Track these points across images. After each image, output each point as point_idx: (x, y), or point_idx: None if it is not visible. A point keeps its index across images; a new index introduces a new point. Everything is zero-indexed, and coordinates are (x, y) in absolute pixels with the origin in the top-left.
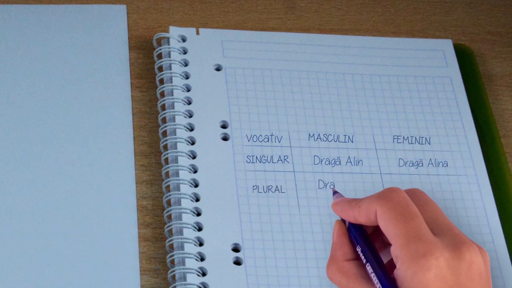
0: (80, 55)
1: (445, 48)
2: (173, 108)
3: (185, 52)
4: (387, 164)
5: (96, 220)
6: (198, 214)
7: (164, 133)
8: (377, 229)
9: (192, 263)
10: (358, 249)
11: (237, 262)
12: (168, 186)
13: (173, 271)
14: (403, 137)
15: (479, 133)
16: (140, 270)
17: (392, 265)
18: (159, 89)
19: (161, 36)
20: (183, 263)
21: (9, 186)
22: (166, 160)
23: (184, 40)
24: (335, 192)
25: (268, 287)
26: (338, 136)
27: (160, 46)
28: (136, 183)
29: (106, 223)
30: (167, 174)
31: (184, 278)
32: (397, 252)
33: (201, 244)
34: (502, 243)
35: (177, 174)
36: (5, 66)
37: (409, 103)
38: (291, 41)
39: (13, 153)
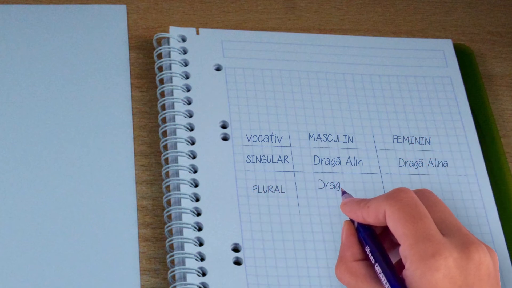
0: (80, 55)
1: (445, 48)
2: (173, 108)
3: (185, 52)
4: (387, 164)
5: (96, 220)
6: (198, 214)
7: (164, 133)
8: (385, 229)
9: (192, 263)
10: (367, 250)
11: (237, 262)
12: (168, 186)
13: (173, 271)
14: (403, 137)
15: (479, 133)
16: (140, 270)
17: (401, 265)
18: (159, 89)
19: (161, 36)
20: (183, 263)
21: (9, 186)
22: (166, 160)
23: (184, 40)
24: (344, 192)
25: (268, 287)
26: (338, 136)
27: (160, 46)
28: (136, 183)
29: (106, 223)
30: (167, 174)
31: (184, 278)
32: (405, 252)
33: (201, 244)
34: (502, 243)
35: (177, 174)
36: (5, 66)
37: (409, 103)
38: (291, 41)
39: (13, 153)
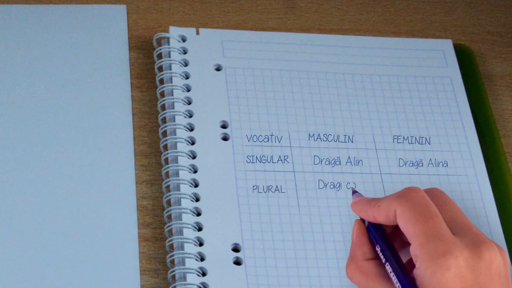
0: (80, 55)
1: (445, 48)
2: (173, 108)
3: (185, 52)
4: (387, 164)
5: (96, 220)
6: (198, 214)
7: (164, 133)
8: (396, 228)
9: (192, 263)
10: (378, 249)
11: (237, 262)
12: (168, 186)
13: (173, 271)
14: (403, 137)
15: (479, 133)
16: (140, 270)
17: (411, 264)
18: (159, 89)
19: (161, 36)
20: (183, 263)
21: (9, 186)
22: (166, 160)
23: (184, 40)
24: (354, 192)
25: (268, 287)
26: (338, 136)
27: (160, 46)
28: (136, 183)
29: (106, 223)
30: (167, 174)
31: (184, 278)
32: (416, 251)
33: (201, 244)
34: (502, 243)
35: (177, 174)
36: (5, 66)
37: (409, 103)
38: (291, 41)
39: (13, 153)
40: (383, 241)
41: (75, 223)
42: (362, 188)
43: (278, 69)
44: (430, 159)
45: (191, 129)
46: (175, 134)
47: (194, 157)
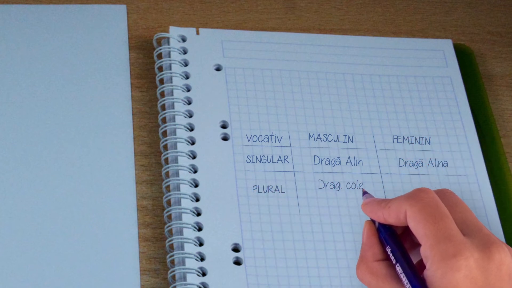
0: (80, 55)
1: (445, 48)
2: (173, 108)
3: (185, 52)
4: (387, 164)
5: (96, 220)
6: (198, 214)
7: (164, 133)
8: (406, 229)
9: (192, 263)
10: (388, 250)
11: (237, 262)
12: (168, 186)
13: (173, 271)
14: (403, 137)
15: (479, 133)
16: (140, 270)
17: (421, 265)
18: (159, 89)
19: (161, 36)
20: (183, 263)
21: (9, 186)
22: (166, 160)
23: (184, 40)
24: (364, 193)
25: (268, 287)
26: (338, 136)
27: (160, 46)
28: (136, 183)
29: (106, 223)
30: (167, 174)
31: (184, 278)
32: (426, 252)
33: (201, 244)
34: None
35: (177, 174)
36: (5, 66)
37: (409, 103)
38: (291, 41)
39: (13, 153)
40: (394, 242)
41: (75, 223)
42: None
43: (278, 69)
44: (430, 159)
45: (191, 129)
46: (175, 134)
47: (194, 157)
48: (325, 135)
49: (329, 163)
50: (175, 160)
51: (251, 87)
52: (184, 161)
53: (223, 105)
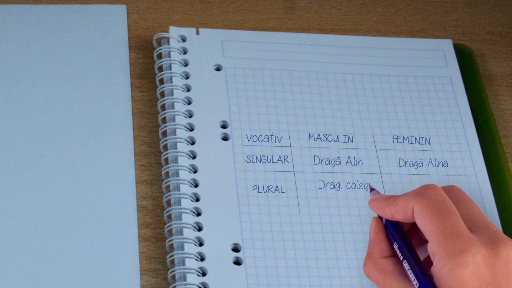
0: (80, 55)
1: (445, 48)
2: (173, 108)
3: (185, 52)
4: (387, 164)
5: (96, 220)
6: (198, 214)
7: (164, 133)
8: (414, 226)
9: (192, 263)
10: (395, 246)
11: (237, 262)
12: (168, 186)
13: (173, 271)
14: (403, 137)
15: (479, 133)
16: (140, 270)
17: (429, 262)
18: (159, 89)
19: (161, 36)
20: (183, 263)
21: (9, 186)
22: (166, 160)
23: (184, 40)
24: (372, 189)
25: (268, 287)
26: (338, 136)
27: (160, 46)
28: (136, 183)
29: (106, 223)
30: (167, 174)
31: (184, 278)
32: (434, 249)
33: (201, 244)
34: None
35: (177, 174)
36: (5, 66)
37: (409, 103)
38: (291, 41)
39: (13, 153)
40: (401, 238)
41: (75, 223)
42: (363, 188)
43: (278, 69)
44: (430, 159)
45: (191, 129)
46: (175, 134)
47: (194, 157)
48: (325, 135)
49: (329, 163)
50: (175, 160)
51: (251, 87)
52: (184, 161)
53: (223, 105)
